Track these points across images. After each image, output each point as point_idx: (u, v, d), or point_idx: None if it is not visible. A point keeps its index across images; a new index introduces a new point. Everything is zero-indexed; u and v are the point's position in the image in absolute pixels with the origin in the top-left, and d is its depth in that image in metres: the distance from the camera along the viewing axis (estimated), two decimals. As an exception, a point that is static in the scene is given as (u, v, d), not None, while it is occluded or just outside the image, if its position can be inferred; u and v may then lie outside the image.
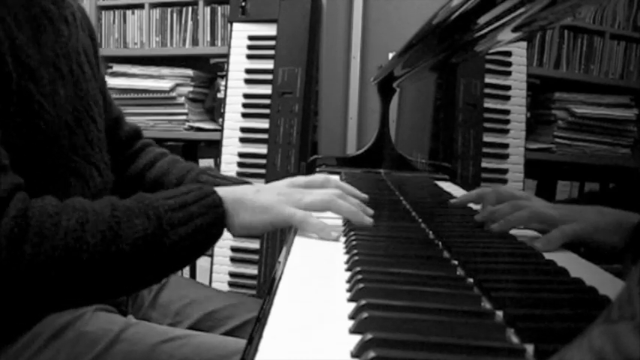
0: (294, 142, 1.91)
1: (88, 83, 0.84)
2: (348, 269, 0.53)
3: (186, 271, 2.39)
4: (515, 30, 0.76)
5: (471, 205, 0.92)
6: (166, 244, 0.62)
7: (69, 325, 0.74)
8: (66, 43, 0.79)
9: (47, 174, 0.72)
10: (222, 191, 0.69)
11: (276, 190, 0.73)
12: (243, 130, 2.00)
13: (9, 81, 0.67)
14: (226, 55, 2.05)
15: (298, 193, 0.72)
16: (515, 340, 0.39)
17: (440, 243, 0.67)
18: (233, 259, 1.99)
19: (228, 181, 0.95)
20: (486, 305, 0.45)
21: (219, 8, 2.38)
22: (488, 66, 1.93)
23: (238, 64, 2.03)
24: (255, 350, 0.36)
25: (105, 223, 0.60)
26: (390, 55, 1.60)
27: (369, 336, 0.35)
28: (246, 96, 2.01)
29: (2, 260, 0.56)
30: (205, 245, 0.67)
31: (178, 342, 0.75)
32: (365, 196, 0.81)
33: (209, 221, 0.66)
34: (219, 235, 0.68)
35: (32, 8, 0.73)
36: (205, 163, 2.32)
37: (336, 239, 0.68)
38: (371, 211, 0.76)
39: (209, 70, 2.40)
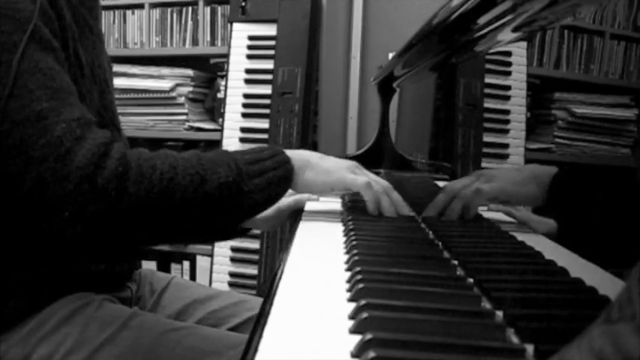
0: (294, 142, 1.91)
1: (112, 97, 0.91)
2: (348, 269, 0.53)
3: (187, 271, 2.39)
4: (515, 30, 0.76)
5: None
6: (244, 191, 0.70)
7: (78, 311, 0.76)
8: (98, 55, 0.86)
9: None
10: (289, 152, 0.78)
11: (337, 159, 0.82)
12: (243, 130, 2.00)
13: (69, 65, 0.75)
14: (226, 55, 2.05)
15: (357, 169, 0.82)
16: (515, 340, 0.39)
17: (440, 243, 0.67)
18: (233, 259, 1.99)
19: None
20: (486, 305, 0.45)
21: (219, 8, 2.38)
22: (488, 66, 1.93)
23: (238, 64, 2.03)
24: (255, 350, 0.36)
25: (193, 168, 0.68)
26: (390, 55, 1.60)
27: (369, 336, 0.35)
28: (246, 96, 2.01)
29: (110, 196, 0.62)
30: (275, 196, 0.75)
31: (185, 332, 0.78)
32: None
33: (280, 175, 0.74)
34: (287, 188, 0.76)
35: (79, 17, 0.80)
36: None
37: (394, 214, 0.79)
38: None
39: (209, 70, 2.40)
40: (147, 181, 0.64)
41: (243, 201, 0.70)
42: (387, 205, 0.80)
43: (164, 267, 2.41)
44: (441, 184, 1.28)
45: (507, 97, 2.03)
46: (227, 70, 2.05)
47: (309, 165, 0.78)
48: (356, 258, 0.55)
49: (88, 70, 0.80)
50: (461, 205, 0.82)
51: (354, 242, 0.62)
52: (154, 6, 2.49)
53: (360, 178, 0.79)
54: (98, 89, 0.84)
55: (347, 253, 0.60)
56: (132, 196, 0.63)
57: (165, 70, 2.35)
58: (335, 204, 0.95)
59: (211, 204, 0.68)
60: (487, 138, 1.93)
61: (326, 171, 0.78)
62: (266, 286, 0.53)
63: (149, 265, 2.34)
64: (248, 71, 2.02)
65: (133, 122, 2.35)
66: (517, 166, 0.86)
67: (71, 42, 0.75)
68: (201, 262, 2.30)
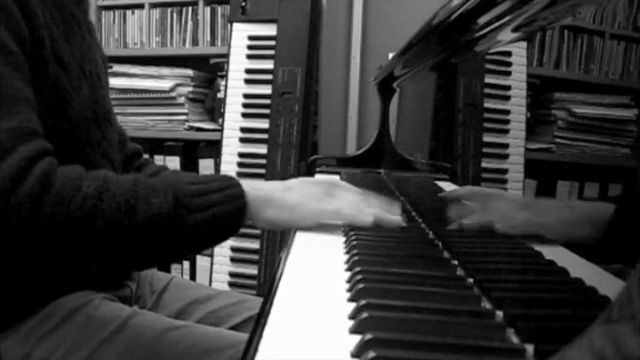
0: (294, 142, 1.91)
1: (104, 92, 0.89)
2: (348, 269, 0.54)
3: (187, 271, 2.39)
4: (515, 30, 0.76)
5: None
6: (179, 226, 0.64)
7: (78, 310, 0.76)
8: (88, 49, 0.84)
9: (64, 162, 0.72)
10: (247, 185, 0.70)
11: (305, 191, 0.73)
12: (243, 130, 2.00)
13: (46, 65, 0.71)
14: (226, 55, 2.05)
15: (326, 197, 0.73)
16: (515, 340, 0.39)
17: (440, 243, 0.67)
18: (233, 259, 1.99)
19: None
20: (486, 305, 0.45)
21: (219, 8, 2.38)
22: (488, 66, 1.92)
23: (238, 64, 2.03)
24: (255, 350, 0.36)
25: (123, 195, 0.63)
26: (390, 55, 1.60)
27: (369, 336, 0.35)
28: (246, 96, 2.01)
29: (23, 217, 0.59)
30: (222, 234, 0.69)
31: (185, 330, 0.77)
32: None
33: (228, 210, 0.67)
34: (238, 225, 0.69)
35: (64, 10, 0.78)
36: (205, 163, 2.32)
37: (370, 223, 0.71)
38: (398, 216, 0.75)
39: (209, 70, 2.40)
40: (66, 204, 0.60)
41: (178, 236, 0.65)
42: (372, 218, 0.72)
43: (164, 267, 2.41)
44: (441, 184, 1.28)
45: (507, 97, 2.03)
46: (227, 70, 2.05)
47: (271, 201, 0.71)
48: (356, 258, 0.55)
49: (75, 66, 0.78)
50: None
51: (354, 242, 0.62)
52: (153, 6, 2.49)
53: (329, 206, 0.72)
54: (89, 84, 0.82)
55: (347, 253, 0.60)
56: (46, 218, 0.59)
57: (165, 70, 2.35)
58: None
59: (140, 237, 0.63)
60: (487, 138, 1.93)
61: (290, 208, 0.71)
62: (266, 286, 0.53)
63: (149, 265, 2.34)
64: (248, 71, 2.02)
65: (133, 122, 2.35)
66: (569, 202, 0.78)
67: (48, 40, 0.72)
68: (201, 262, 2.30)
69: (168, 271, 2.38)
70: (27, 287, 0.74)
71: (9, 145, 0.61)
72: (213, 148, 2.22)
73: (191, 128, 2.32)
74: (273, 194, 0.71)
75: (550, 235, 0.75)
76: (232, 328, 0.91)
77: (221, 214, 0.67)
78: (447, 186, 1.26)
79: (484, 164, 1.85)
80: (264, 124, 1.96)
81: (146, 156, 1.15)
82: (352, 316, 0.41)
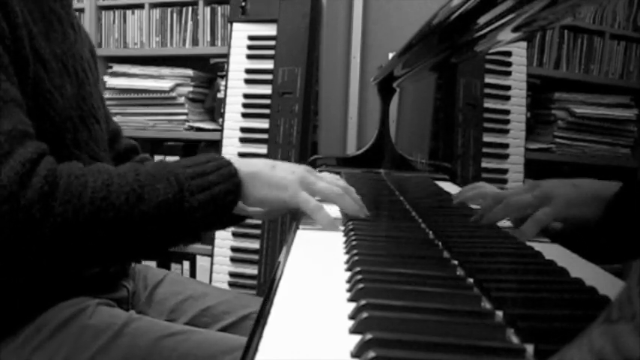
0: (294, 142, 1.91)
1: (92, 88, 0.87)
2: (348, 269, 0.53)
3: (187, 271, 2.39)
4: (515, 30, 0.76)
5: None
6: (185, 209, 0.66)
7: (72, 318, 0.75)
8: (72, 45, 0.82)
9: None
10: (238, 163, 0.72)
11: (290, 169, 0.75)
12: (243, 130, 2.00)
13: (26, 65, 0.70)
14: (226, 55, 2.05)
15: (312, 177, 0.75)
16: (515, 340, 0.39)
17: (440, 243, 0.67)
18: (233, 259, 1.99)
19: None
20: (486, 305, 0.45)
21: (219, 8, 2.38)
22: (488, 66, 1.92)
23: (238, 64, 2.03)
24: (255, 350, 0.36)
25: (129, 185, 0.64)
26: (390, 55, 1.60)
27: (369, 336, 0.35)
28: (246, 96, 2.01)
29: (34, 217, 0.59)
30: (221, 213, 0.70)
31: (180, 337, 0.76)
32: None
33: (225, 189, 0.69)
34: (234, 203, 0.71)
35: (43, 7, 0.76)
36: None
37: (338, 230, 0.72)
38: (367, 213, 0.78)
39: (209, 70, 2.40)
40: (76, 200, 0.61)
41: (185, 219, 0.66)
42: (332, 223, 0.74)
43: (164, 266, 2.41)
44: (441, 184, 1.28)
45: (507, 97, 2.03)
46: (227, 70, 2.05)
47: (260, 178, 0.72)
48: (356, 258, 0.55)
49: (57, 64, 0.76)
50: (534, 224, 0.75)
51: (354, 242, 0.62)
52: (153, 6, 2.49)
53: (313, 201, 0.72)
54: (74, 81, 0.80)
55: (347, 253, 0.60)
56: (58, 217, 0.60)
57: (165, 70, 2.35)
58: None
59: (149, 223, 0.64)
60: (487, 138, 1.93)
61: (280, 185, 0.72)
62: (266, 286, 0.52)
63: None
64: (248, 71, 2.02)
65: (133, 122, 2.35)
66: (573, 182, 0.77)
67: (27, 40, 0.70)
68: (201, 262, 2.30)
69: (167, 269, 2.38)
70: (23, 295, 0.73)
71: (7, 148, 0.61)
72: (213, 148, 2.22)
73: (191, 128, 2.32)
74: (261, 171, 0.73)
75: (563, 219, 0.75)
76: (227, 326, 0.90)
77: (221, 193, 0.68)
78: (447, 186, 1.26)
79: (484, 164, 1.85)
80: (264, 124, 1.96)
81: (146, 156, 1.14)
82: (352, 316, 0.41)
